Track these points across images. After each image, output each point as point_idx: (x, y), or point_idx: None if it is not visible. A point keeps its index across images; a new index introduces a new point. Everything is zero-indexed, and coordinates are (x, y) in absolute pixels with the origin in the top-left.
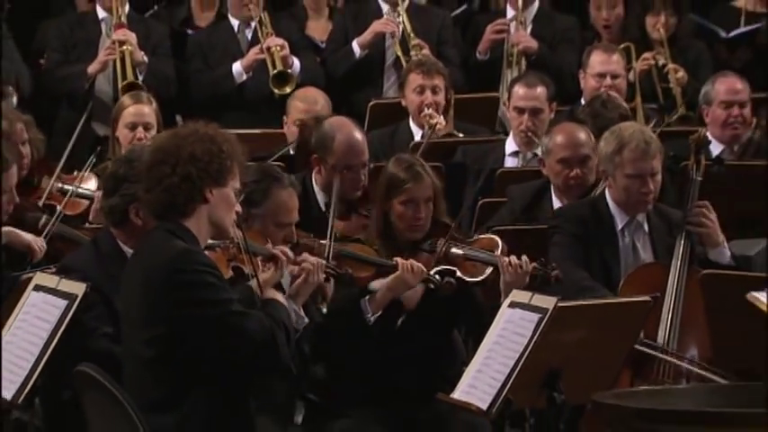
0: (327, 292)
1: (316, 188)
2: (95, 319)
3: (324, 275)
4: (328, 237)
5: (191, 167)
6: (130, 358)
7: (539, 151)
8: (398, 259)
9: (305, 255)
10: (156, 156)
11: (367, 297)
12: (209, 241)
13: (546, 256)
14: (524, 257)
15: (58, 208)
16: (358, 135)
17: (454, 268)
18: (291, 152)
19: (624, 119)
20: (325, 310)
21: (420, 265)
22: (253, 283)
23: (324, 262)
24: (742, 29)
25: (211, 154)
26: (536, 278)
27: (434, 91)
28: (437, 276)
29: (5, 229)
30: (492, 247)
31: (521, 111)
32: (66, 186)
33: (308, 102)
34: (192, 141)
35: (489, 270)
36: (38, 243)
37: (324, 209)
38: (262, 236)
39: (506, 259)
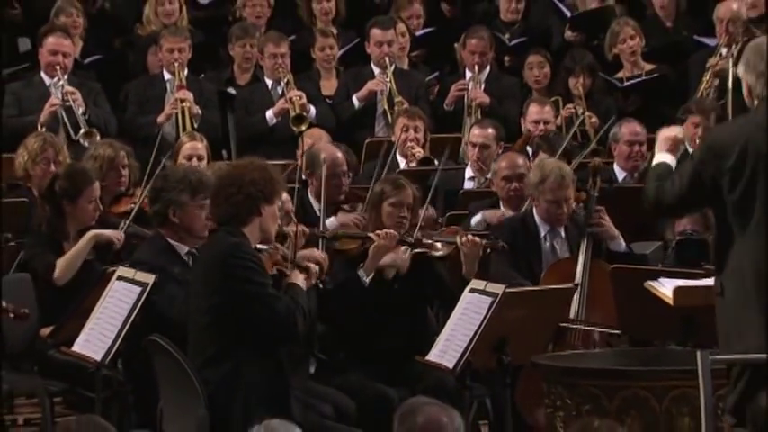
0: (324, 265)
1: (311, 199)
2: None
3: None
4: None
5: (252, 189)
6: (194, 326)
7: (489, 176)
8: (370, 234)
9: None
10: (222, 181)
11: (361, 264)
12: (259, 246)
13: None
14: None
15: (133, 210)
16: (338, 153)
17: (425, 249)
18: (303, 177)
19: (565, 150)
20: (321, 284)
21: (391, 231)
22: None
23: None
24: (632, 81)
25: (266, 180)
26: (487, 249)
27: (416, 130)
28: (409, 238)
29: (95, 231)
30: (454, 233)
31: (474, 145)
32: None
33: (313, 138)
34: (252, 170)
35: (451, 248)
36: (117, 236)
37: (318, 213)
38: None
39: (465, 237)
